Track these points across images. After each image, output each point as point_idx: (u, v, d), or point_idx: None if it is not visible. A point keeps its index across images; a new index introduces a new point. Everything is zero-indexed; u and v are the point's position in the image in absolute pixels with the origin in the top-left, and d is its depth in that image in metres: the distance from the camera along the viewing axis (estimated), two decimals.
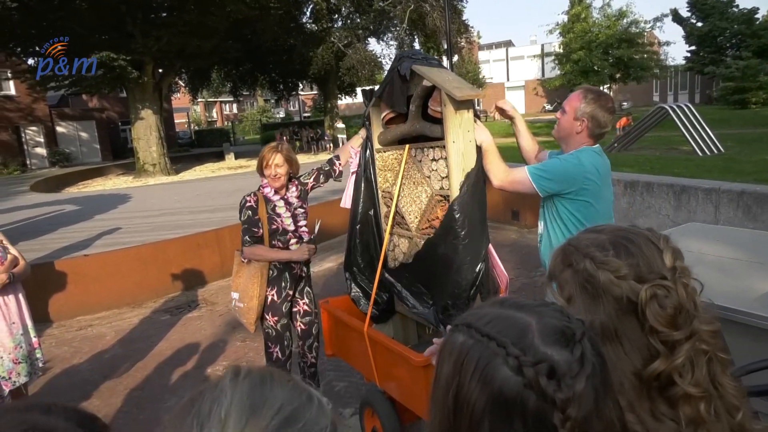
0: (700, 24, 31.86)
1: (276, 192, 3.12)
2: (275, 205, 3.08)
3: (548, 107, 43.02)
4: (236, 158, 22.79)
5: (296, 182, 3.23)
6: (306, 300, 3.31)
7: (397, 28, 26.65)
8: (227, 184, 13.79)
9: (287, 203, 3.14)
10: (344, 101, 41.76)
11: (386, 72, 2.80)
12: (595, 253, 0.91)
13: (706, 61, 31.39)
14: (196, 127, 50.91)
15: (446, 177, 2.52)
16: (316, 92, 49.44)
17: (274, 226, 3.06)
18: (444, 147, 2.49)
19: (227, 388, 0.55)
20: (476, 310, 0.70)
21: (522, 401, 0.60)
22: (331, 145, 24.28)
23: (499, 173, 2.42)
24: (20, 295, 3.14)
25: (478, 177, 2.45)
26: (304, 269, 3.28)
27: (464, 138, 2.45)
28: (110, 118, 31.10)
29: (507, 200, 7.97)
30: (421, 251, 2.73)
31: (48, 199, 13.13)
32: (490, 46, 48.75)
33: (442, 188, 2.57)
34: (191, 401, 0.54)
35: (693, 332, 0.86)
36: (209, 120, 61.75)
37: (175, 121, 39.79)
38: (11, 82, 24.94)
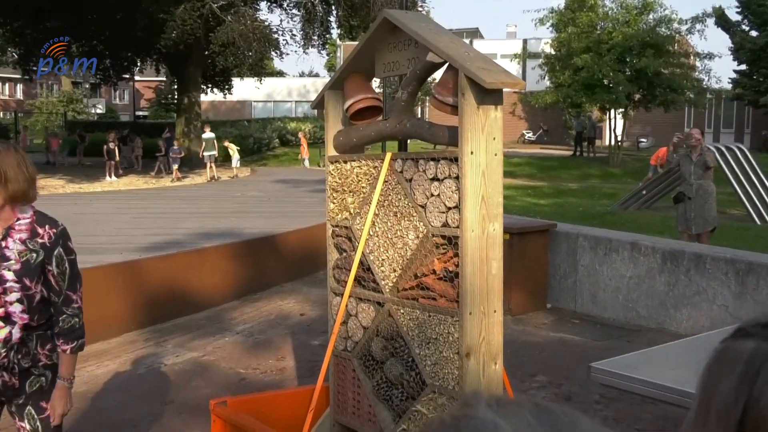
0: (754, 33, 34.96)
1: None
2: None
3: (529, 136, 44.83)
4: None
5: (46, 229, 3.00)
6: (26, 425, 3.12)
7: None
8: None
9: None
10: (209, 97, 41.67)
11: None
12: None
13: (761, 87, 34.30)
14: None
15: (455, 207, 2.58)
16: (163, 79, 49.11)
17: None
18: (454, 160, 2.56)
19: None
20: (757, 316, 0.79)
21: None
22: (204, 167, 23.78)
23: None
24: None
25: None
26: (14, 379, 3.05)
27: (488, 149, 2.54)
28: None
29: None
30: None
31: None
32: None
33: (445, 224, 2.62)
34: None
35: None
36: None
37: None
38: None
